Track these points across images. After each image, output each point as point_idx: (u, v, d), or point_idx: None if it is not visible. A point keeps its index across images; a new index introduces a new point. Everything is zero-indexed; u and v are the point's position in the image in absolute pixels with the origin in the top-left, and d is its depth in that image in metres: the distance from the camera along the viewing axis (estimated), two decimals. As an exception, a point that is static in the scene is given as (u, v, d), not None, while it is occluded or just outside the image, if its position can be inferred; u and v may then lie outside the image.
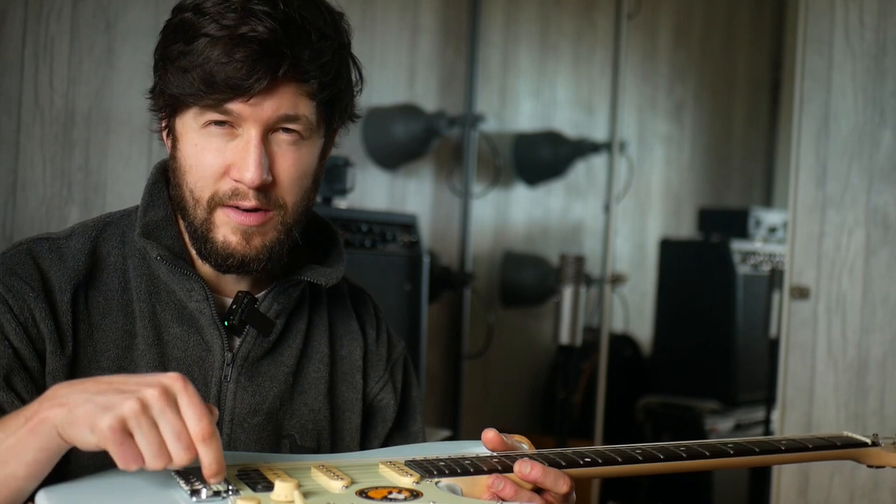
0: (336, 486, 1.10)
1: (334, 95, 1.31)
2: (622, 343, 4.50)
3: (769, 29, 5.70)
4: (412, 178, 3.66)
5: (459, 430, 3.69)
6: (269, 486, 1.06)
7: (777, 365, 3.25)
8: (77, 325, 1.29)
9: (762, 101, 5.70)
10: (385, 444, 1.47)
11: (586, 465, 1.22)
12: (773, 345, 3.66)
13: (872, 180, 3.10)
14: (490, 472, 1.17)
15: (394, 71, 3.57)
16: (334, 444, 1.41)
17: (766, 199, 5.68)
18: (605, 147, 4.25)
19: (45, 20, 2.51)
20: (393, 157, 3.50)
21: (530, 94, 4.22)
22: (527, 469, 1.18)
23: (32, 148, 2.51)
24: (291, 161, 1.29)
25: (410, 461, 1.18)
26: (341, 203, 2.96)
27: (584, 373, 4.17)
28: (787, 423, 3.19)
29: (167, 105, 1.29)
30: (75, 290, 1.30)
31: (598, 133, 4.47)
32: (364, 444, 1.46)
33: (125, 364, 1.30)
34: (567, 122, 4.35)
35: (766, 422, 3.92)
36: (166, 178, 1.37)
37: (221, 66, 1.21)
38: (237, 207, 1.28)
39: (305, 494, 1.06)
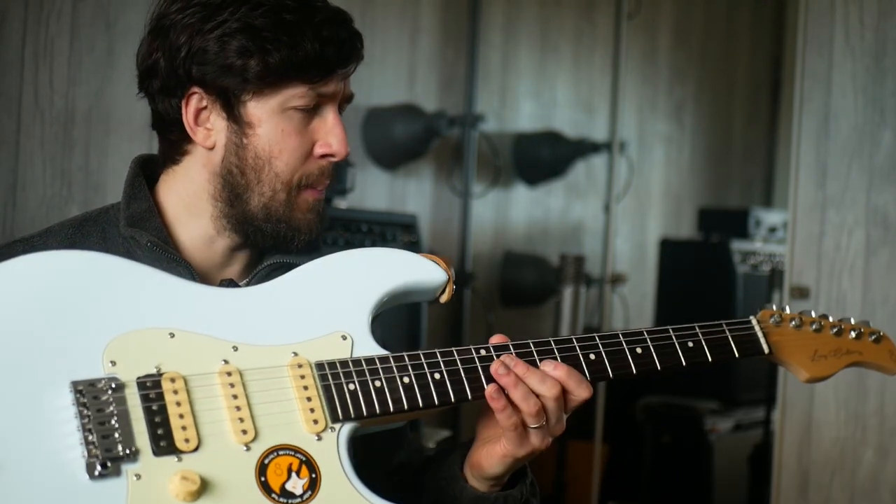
0: (237, 448, 1.08)
1: None
2: (622, 343, 4.49)
3: (769, 29, 5.70)
4: (412, 178, 3.66)
5: (459, 430, 3.69)
6: (170, 446, 1.05)
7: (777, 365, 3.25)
8: None
9: (762, 101, 5.70)
10: None
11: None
12: (774, 345, 3.65)
13: (872, 180, 3.10)
14: (396, 412, 1.17)
15: (394, 71, 3.57)
16: None
17: (766, 199, 5.68)
18: (605, 147, 4.25)
19: (45, 20, 2.51)
20: (393, 157, 3.50)
21: (530, 94, 4.22)
22: (550, 367, 1.25)
23: (32, 148, 2.51)
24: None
25: (320, 365, 1.16)
26: (341, 203, 2.96)
27: (584, 373, 4.16)
28: (787, 422, 3.19)
29: (238, 90, 1.29)
30: None
31: (598, 133, 4.47)
32: None
33: None
34: (567, 122, 4.35)
35: (767, 422, 3.92)
36: (145, 172, 1.38)
37: (323, 43, 1.28)
38: (316, 188, 1.34)
39: (203, 484, 1.04)
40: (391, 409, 1.17)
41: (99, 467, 1.03)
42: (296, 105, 1.30)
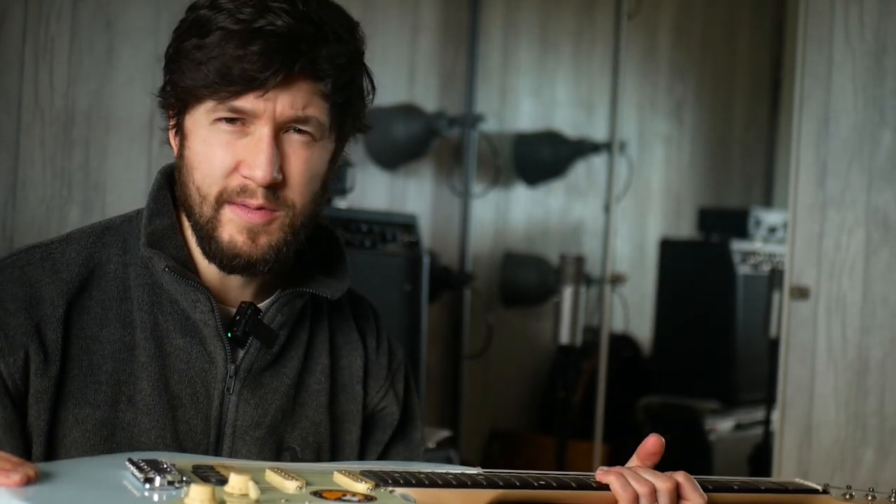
0: (290, 486, 1.09)
1: (347, 100, 1.30)
2: (622, 343, 4.50)
3: (769, 29, 5.70)
4: (412, 178, 3.66)
5: (459, 430, 3.69)
6: (223, 481, 1.06)
7: (777, 365, 3.25)
8: (69, 340, 1.26)
9: (762, 101, 5.70)
10: (386, 452, 1.46)
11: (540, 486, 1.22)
12: (773, 345, 3.66)
13: (872, 180, 3.10)
14: (445, 486, 1.16)
15: (394, 71, 3.57)
16: (334, 456, 1.39)
17: (766, 199, 5.68)
18: (605, 147, 4.25)
19: (45, 20, 2.51)
20: (393, 157, 3.50)
21: (530, 94, 4.21)
22: (668, 473, 1.26)
23: (32, 148, 2.51)
24: (302, 161, 1.27)
25: (366, 471, 1.17)
26: (341, 203, 2.96)
27: (584, 373, 4.16)
28: (787, 423, 3.19)
29: (178, 101, 1.27)
30: (70, 303, 1.27)
31: (598, 133, 4.47)
32: (362, 453, 1.44)
33: (124, 377, 1.27)
34: (567, 122, 4.35)
35: (766, 422, 3.92)
36: (170, 184, 1.35)
37: (237, 58, 1.20)
38: (244, 205, 1.26)
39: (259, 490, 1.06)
40: (440, 483, 1.16)
41: (157, 479, 1.04)
42: (215, 118, 1.24)
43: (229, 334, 1.30)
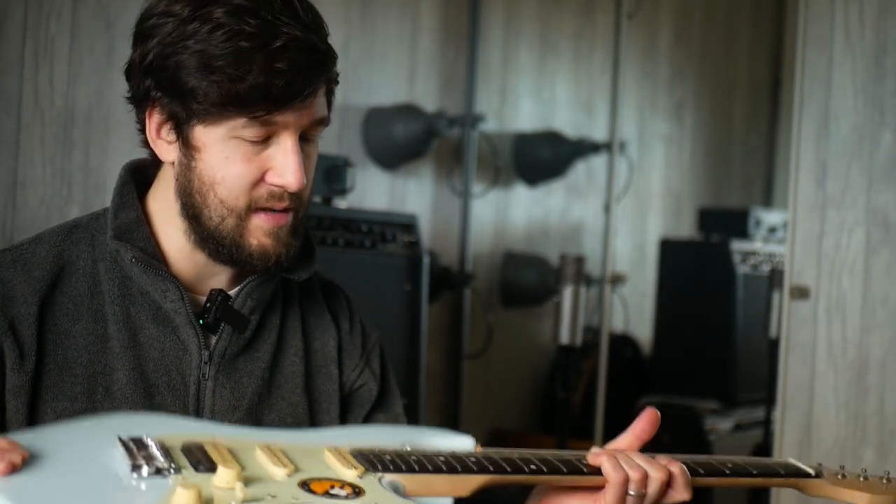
0: (279, 473, 1.09)
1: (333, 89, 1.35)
2: (622, 343, 4.50)
3: (769, 29, 5.70)
4: (412, 178, 3.66)
5: (459, 431, 3.68)
6: (212, 467, 1.06)
7: (777, 365, 3.25)
8: (43, 336, 1.28)
9: (762, 101, 5.70)
10: (367, 423, 1.48)
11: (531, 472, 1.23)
12: (773, 345, 3.66)
13: (872, 180, 3.10)
14: (435, 471, 1.17)
15: (394, 71, 3.57)
16: None
17: (766, 199, 5.68)
18: (605, 147, 4.25)
19: (45, 20, 2.51)
20: (393, 157, 3.50)
21: (530, 94, 4.21)
22: (665, 460, 1.27)
23: (32, 148, 2.52)
24: (313, 160, 1.33)
25: (356, 451, 1.17)
26: (341, 203, 2.96)
27: (584, 373, 4.16)
28: (787, 422, 3.19)
29: (186, 115, 1.26)
30: (42, 300, 1.29)
31: (598, 133, 4.47)
32: None
33: (100, 368, 1.29)
34: (567, 122, 4.35)
35: (767, 422, 3.92)
36: (135, 179, 1.37)
37: (269, 74, 1.21)
38: (270, 210, 1.29)
39: (247, 481, 1.05)
40: (430, 469, 1.17)
41: (145, 468, 1.05)
42: (242, 136, 1.25)
43: (201, 321, 1.33)
